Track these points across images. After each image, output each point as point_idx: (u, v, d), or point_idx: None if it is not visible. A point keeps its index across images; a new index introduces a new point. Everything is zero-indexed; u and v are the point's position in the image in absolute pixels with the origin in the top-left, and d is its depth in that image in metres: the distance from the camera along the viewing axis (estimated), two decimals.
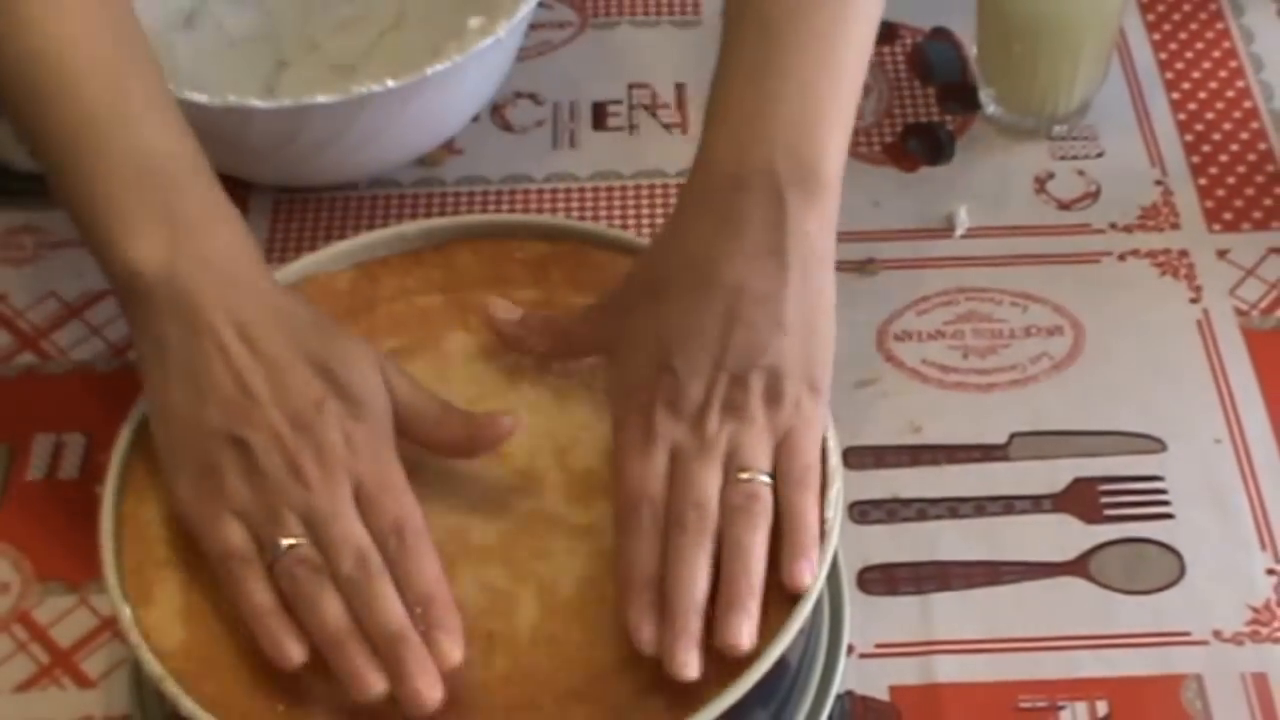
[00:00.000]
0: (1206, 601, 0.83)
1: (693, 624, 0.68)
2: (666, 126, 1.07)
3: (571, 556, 0.72)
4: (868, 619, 0.82)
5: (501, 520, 0.73)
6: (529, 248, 0.83)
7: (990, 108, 1.06)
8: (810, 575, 0.70)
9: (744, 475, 0.71)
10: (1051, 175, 1.03)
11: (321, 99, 0.91)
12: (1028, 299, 0.96)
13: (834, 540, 0.71)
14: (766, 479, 0.72)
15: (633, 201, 1.02)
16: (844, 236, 0.99)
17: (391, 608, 0.67)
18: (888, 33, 1.13)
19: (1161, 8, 1.14)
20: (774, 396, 0.73)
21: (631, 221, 1.01)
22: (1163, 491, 0.88)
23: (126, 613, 0.69)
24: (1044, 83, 1.02)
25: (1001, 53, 1.04)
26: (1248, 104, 1.08)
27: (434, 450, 0.74)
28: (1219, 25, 1.13)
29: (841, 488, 0.73)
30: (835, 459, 0.74)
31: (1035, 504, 0.87)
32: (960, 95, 1.08)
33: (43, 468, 0.89)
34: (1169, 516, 0.87)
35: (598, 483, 0.74)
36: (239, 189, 1.02)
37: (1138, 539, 0.86)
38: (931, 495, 0.88)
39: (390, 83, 0.91)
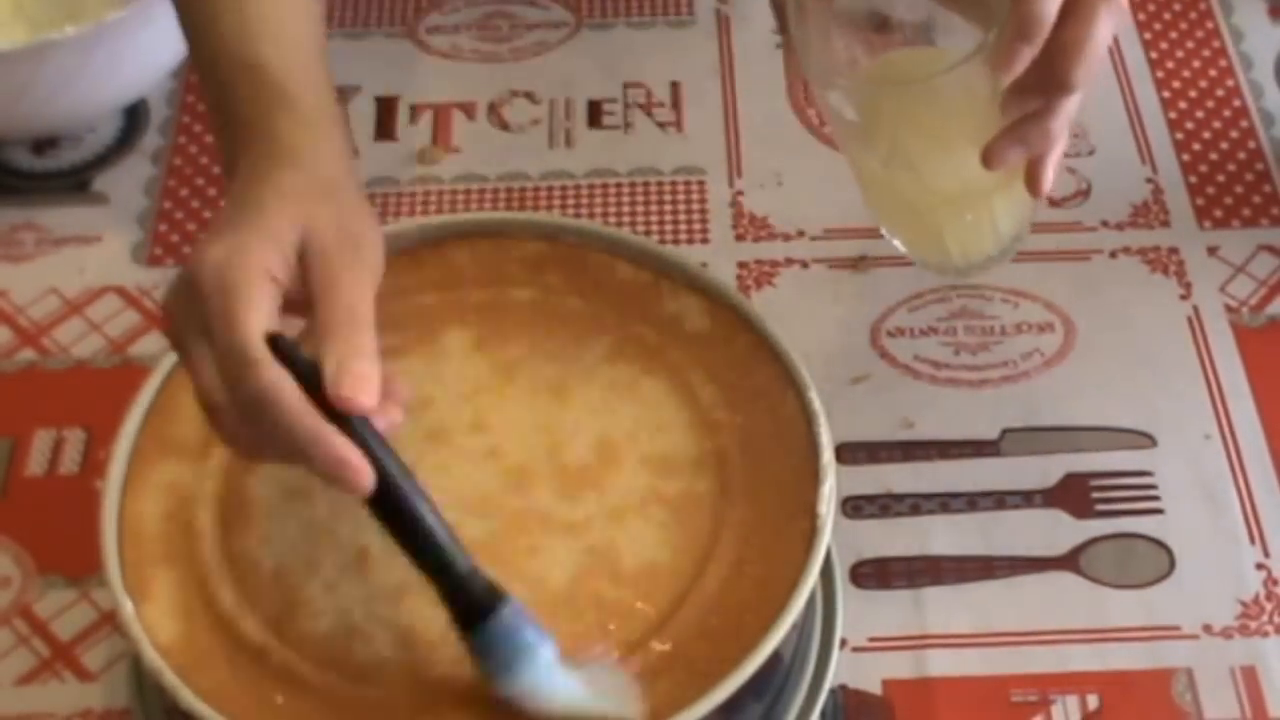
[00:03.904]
0: (1196, 596, 0.84)
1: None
2: (661, 125, 1.08)
3: (562, 553, 0.72)
4: (861, 613, 0.83)
5: (493, 517, 0.73)
6: (526, 246, 0.83)
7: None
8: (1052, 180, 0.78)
9: None
10: None
11: (2, 47, 0.93)
12: (1019, 296, 0.97)
13: (826, 535, 0.72)
14: None
15: (628, 199, 1.03)
16: (837, 234, 1.00)
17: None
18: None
19: (1152, 7, 1.15)
20: None
21: (627, 219, 1.02)
22: (1153, 487, 0.88)
23: (128, 607, 0.70)
24: (959, 242, 0.88)
25: (903, 222, 0.90)
26: (1237, 102, 1.08)
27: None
28: (1209, 24, 1.14)
29: (834, 483, 0.74)
30: (828, 454, 0.74)
31: (1027, 499, 0.88)
32: None
33: (43, 463, 0.89)
34: (1159, 512, 0.87)
35: (590, 478, 0.75)
36: None
37: (1128, 534, 0.86)
38: (924, 490, 0.88)
39: (70, 30, 0.92)
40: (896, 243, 0.90)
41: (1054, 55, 0.73)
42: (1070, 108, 0.76)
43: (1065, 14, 0.73)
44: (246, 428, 0.65)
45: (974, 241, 0.87)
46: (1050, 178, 0.79)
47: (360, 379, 0.64)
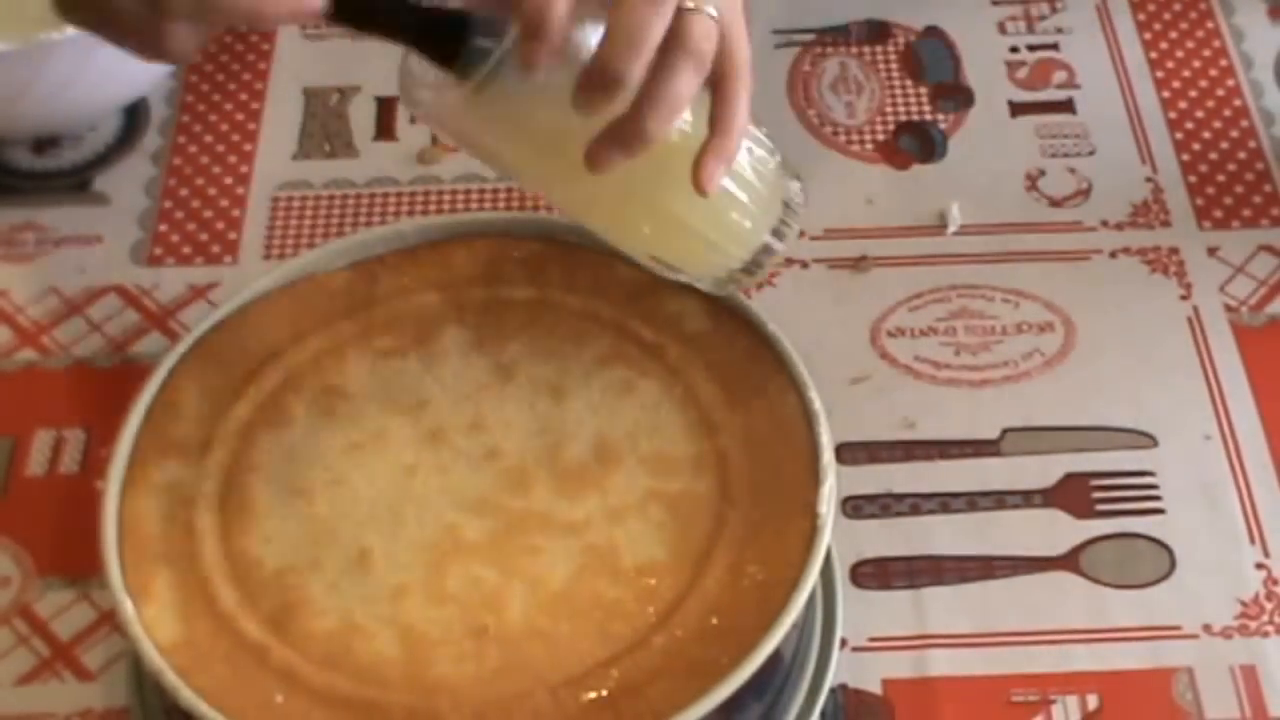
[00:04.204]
0: (1197, 596, 0.84)
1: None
2: None
3: (561, 552, 0.72)
4: (861, 613, 0.83)
5: (492, 518, 0.74)
6: (525, 246, 0.83)
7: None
8: (717, 182, 0.71)
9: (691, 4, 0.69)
10: (1043, 173, 1.04)
11: (2, 47, 0.93)
12: (1019, 296, 0.97)
13: (827, 535, 0.72)
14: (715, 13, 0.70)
15: None
16: (837, 234, 1.00)
17: None
18: (880, 32, 1.13)
19: (1152, 7, 1.15)
20: None
21: None
22: (1153, 487, 0.88)
23: (127, 606, 0.70)
24: (676, 255, 0.78)
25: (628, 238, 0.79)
26: (1237, 102, 1.08)
27: None
28: (1209, 24, 1.14)
29: (835, 483, 0.74)
30: (829, 454, 0.74)
31: (1027, 499, 0.88)
32: (952, 94, 1.09)
33: (43, 463, 0.89)
34: (1160, 512, 0.87)
35: (589, 478, 0.75)
36: (239, 187, 1.03)
37: (1129, 534, 0.86)
38: (924, 490, 0.88)
39: (70, 30, 0.92)
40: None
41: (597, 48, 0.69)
42: (674, 94, 0.69)
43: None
44: None
45: (690, 252, 0.77)
46: (712, 173, 0.71)
47: None
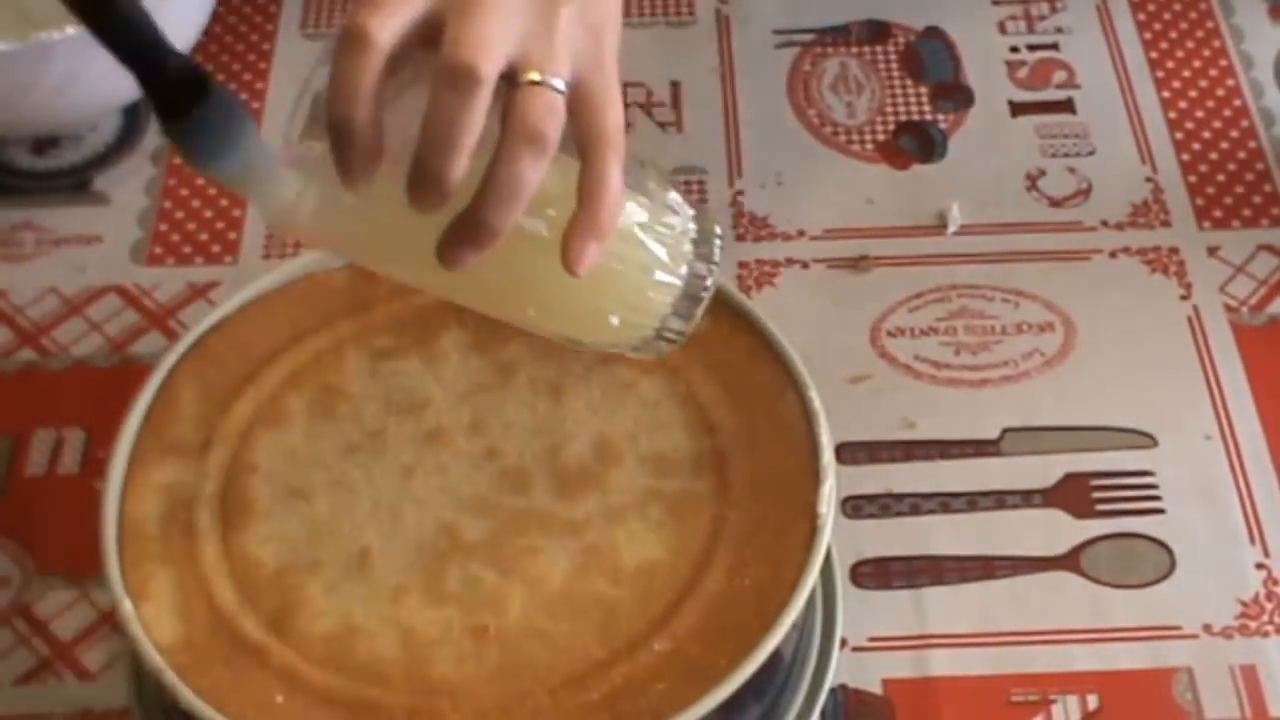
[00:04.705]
0: (1197, 595, 0.84)
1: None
2: (662, 125, 1.08)
3: (561, 552, 0.72)
4: (861, 613, 0.83)
5: (492, 518, 0.74)
6: None
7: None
8: (590, 261, 0.65)
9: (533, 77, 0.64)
10: (1043, 173, 1.04)
11: (2, 47, 0.93)
12: (1019, 296, 0.97)
13: (826, 535, 0.72)
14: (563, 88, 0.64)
15: None
16: (837, 234, 1.00)
17: None
18: (880, 32, 1.13)
19: (1152, 7, 1.15)
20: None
21: None
22: (1153, 487, 0.88)
23: (127, 606, 0.70)
24: (572, 327, 0.73)
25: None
26: (1237, 102, 1.08)
27: None
28: (1209, 24, 1.14)
29: (834, 483, 0.74)
30: (829, 454, 0.74)
31: (1027, 499, 0.88)
32: (952, 94, 1.09)
33: (43, 463, 0.89)
34: (1159, 511, 0.87)
35: (589, 478, 0.75)
36: None
37: (1128, 534, 0.87)
38: (924, 490, 0.88)
39: (70, 30, 0.92)
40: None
41: None
42: (513, 181, 0.63)
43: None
44: None
45: (583, 327, 0.72)
46: (580, 252, 0.65)
47: None
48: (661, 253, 0.70)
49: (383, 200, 0.65)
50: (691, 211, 0.71)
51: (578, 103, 0.65)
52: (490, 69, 0.62)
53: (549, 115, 0.63)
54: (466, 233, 0.64)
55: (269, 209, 0.66)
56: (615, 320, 0.71)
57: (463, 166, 0.63)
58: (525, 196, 0.64)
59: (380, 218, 0.67)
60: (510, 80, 0.64)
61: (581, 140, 0.66)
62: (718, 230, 0.71)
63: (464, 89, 0.62)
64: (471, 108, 0.62)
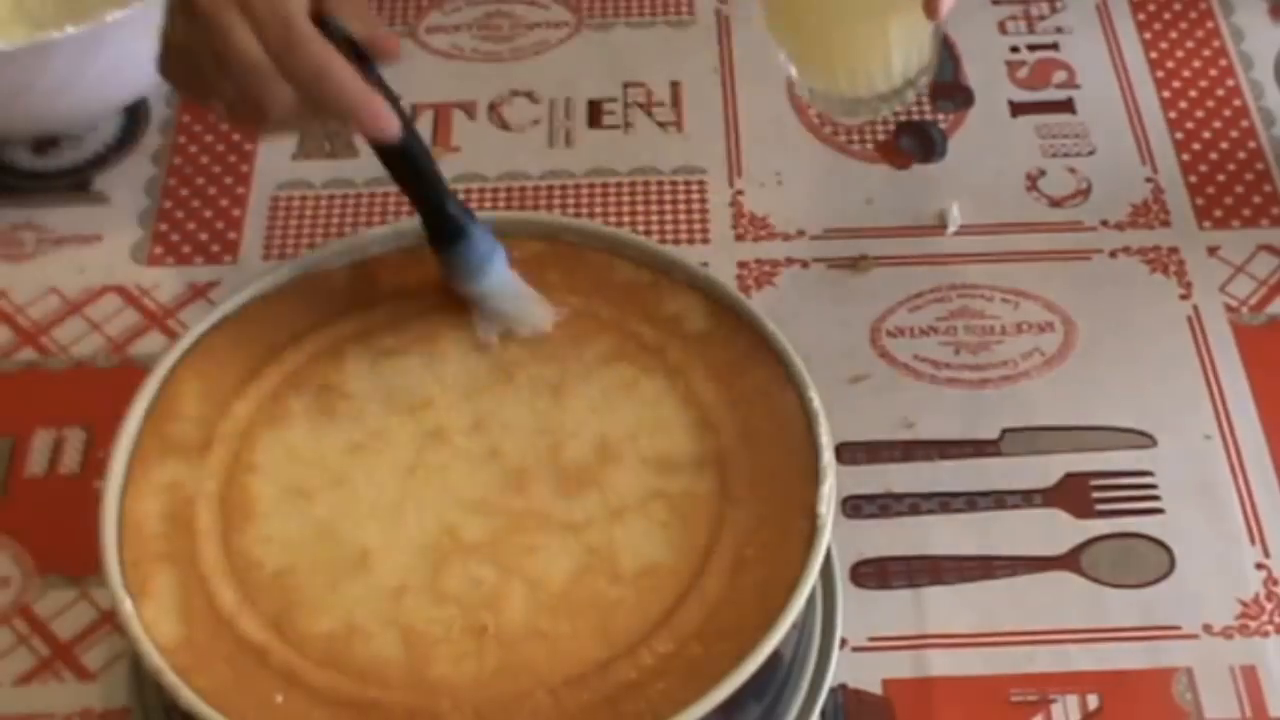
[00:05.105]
0: (1196, 595, 0.84)
1: None
2: (661, 125, 1.08)
3: (561, 552, 0.73)
4: (861, 613, 0.83)
5: (492, 517, 0.74)
6: (525, 246, 0.83)
7: (801, 89, 0.99)
8: (948, 7, 0.84)
9: None
10: (1043, 173, 1.04)
11: (2, 47, 0.93)
12: (1019, 295, 0.97)
13: (826, 535, 0.72)
14: None
15: (628, 198, 1.03)
16: (837, 233, 1.00)
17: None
18: None
19: (1152, 7, 1.15)
20: None
21: (627, 218, 1.02)
22: (1153, 487, 0.88)
23: (127, 605, 0.70)
24: (847, 67, 0.93)
25: (796, 36, 0.94)
26: (1237, 102, 1.08)
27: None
28: (1209, 24, 1.14)
29: (834, 483, 0.74)
30: (829, 454, 0.74)
31: (1026, 499, 0.88)
32: (952, 94, 1.09)
33: (43, 463, 0.89)
34: (1159, 511, 0.87)
35: (590, 478, 0.75)
36: (239, 187, 1.03)
37: (1128, 534, 0.87)
38: (924, 490, 0.88)
39: (70, 29, 0.92)
40: (791, 69, 0.93)
41: None
42: None
43: None
44: (270, 92, 0.73)
45: (862, 69, 0.88)
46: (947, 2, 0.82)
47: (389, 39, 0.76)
48: (929, 43, 0.90)
49: None
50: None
51: None
52: None
53: None
54: None
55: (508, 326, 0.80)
56: (873, 73, 0.89)
57: None
58: None
59: None
60: None
61: None
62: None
63: None
64: None
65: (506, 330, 0.80)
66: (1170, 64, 1.11)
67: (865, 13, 0.84)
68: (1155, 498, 0.88)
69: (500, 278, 0.80)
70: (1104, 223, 1.01)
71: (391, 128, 0.75)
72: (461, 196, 1.02)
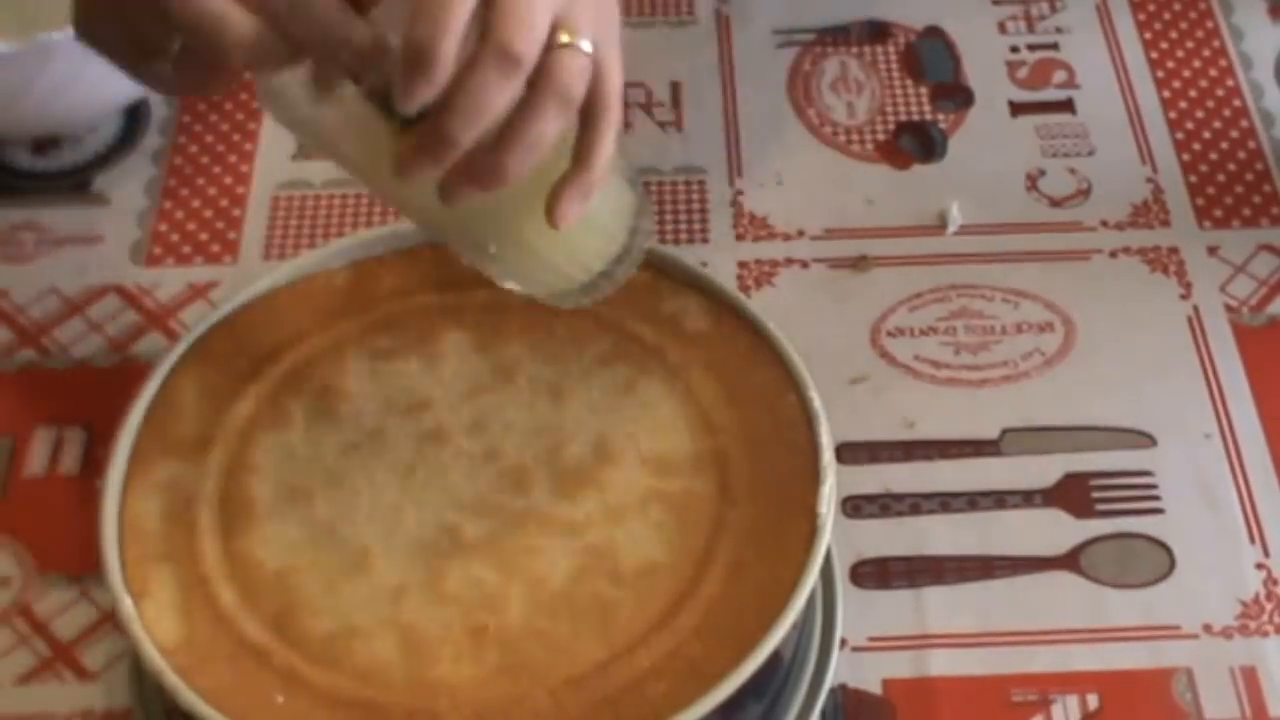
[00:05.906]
0: (1196, 595, 0.84)
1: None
2: (662, 125, 1.08)
3: (560, 552, 0.73)
4: (861, 613, 0.83)
5: (492, 518, 0.74)
6: None
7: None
8: (575, 217, 0.68)
9: (566, 39, 0.66)
10: (1043, 173, 1.04)
11: (2, 47, 0.93)
12: (1019, 295, 0.97)
13: (826, 535, 0.72)
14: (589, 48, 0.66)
15: None
16: (837, 234, 1.00)
17: None
18: (880, 32, 1.14)
19: (1152, 7, 1.15)
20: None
21: None
22: (1153, 486, 0.88)
23: (128, 605, 0.70)
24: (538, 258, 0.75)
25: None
26: (1237, 102, 1.08)
27: None
28: (1209, 24, 1.14)
29: (834, 483, 0.74)
30: (829, 454, 0.74)
31: (1027, 499, 0.88)
32: (952, 94, 1.09)
33: (43, 462, 0.89)
34: (1159, 511, 0.87)
35: (589, 478, 0.75)
36: (239, 187, 1.03)
37: (1128, 534, 0.87)
38: (924, 490, 0.88)
39: (70, 30, 0.92)
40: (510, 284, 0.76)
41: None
42: (537, 135, 0.66)
43: None
44: (229, 25, 0.62)
45: (531, 271, 0.75)
46: (567, 209, 0.68)
47: None
48: (610, 219, 0.74)
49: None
50: (638, 185, 0.76)
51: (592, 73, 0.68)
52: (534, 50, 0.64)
53: (580, 78, 0.66)
54: (478, 173, 0.66)
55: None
56: (558, 268, 0.74)
57: (475, 136, 0.65)
58: (542, 151, 0.66)
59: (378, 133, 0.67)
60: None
61: (588, 105, 0.68)
62: (651, 200, 0.74)
63: (508, 70, 0.64)
64: (509, 87, 0.64)
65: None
66: (1170, 64, 1.11)
67: (502, 222, 0.72)
68: (1155, 498, 0.88)
69: None
70: (1104, 223, 1.01)
71: (377, 60, 0.64)
72: None
